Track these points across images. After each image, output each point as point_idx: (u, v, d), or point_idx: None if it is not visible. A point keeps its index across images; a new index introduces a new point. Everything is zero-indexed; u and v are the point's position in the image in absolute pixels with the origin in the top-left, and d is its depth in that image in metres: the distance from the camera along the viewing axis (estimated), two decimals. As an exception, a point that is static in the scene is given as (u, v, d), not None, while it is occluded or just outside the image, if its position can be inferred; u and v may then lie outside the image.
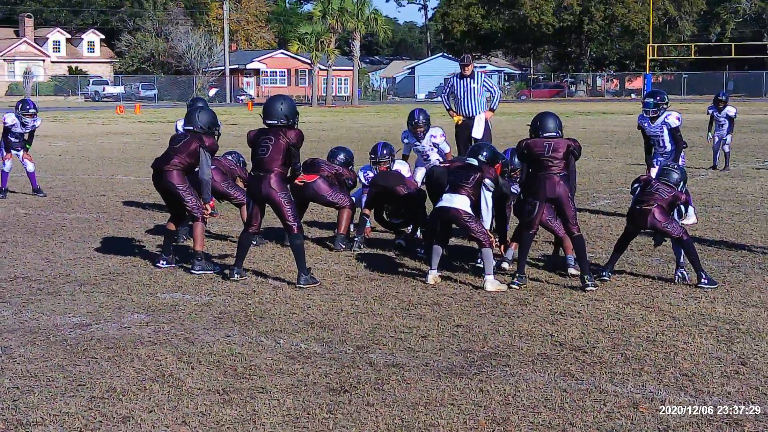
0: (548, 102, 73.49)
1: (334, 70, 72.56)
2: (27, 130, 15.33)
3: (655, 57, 62.75)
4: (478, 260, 9.14)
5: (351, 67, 74.24)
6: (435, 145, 11.60)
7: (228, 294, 8.30)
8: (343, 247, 10.35)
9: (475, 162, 8.88)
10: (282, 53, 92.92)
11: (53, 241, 11.06)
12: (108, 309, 7.83)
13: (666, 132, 11.58)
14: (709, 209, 13.23)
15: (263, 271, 9.25)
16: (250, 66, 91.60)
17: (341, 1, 67.62)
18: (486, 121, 15.30)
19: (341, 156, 10.92)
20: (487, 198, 8.73)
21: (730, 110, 19.02)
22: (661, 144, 11.70)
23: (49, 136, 31.02)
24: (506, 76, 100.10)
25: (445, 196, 8.70)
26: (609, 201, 14.16)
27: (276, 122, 8.72)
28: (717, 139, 19.05)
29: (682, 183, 8.79)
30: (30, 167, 15.42)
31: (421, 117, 11.58)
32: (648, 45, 54.96)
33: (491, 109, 15.45)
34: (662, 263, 9.48)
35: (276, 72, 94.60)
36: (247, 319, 7.44)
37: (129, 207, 13.95)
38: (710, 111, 19.32)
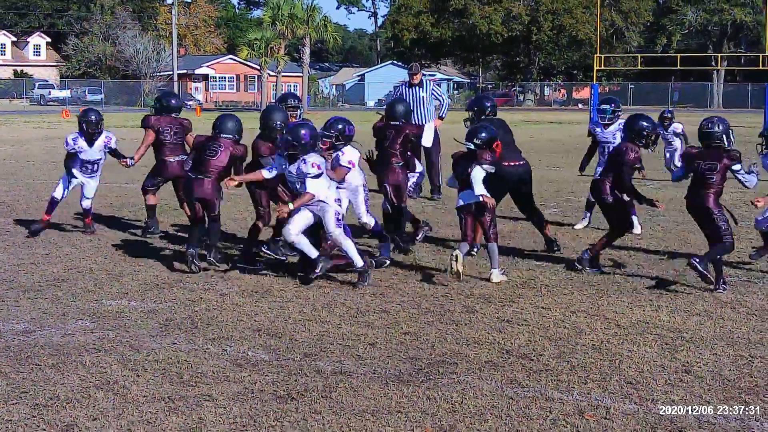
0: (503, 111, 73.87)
1: (283, 76, 72.35)
2: (97, 155, 13.71)
3: (602, 67, 63.29)
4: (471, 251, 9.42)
5: (300, 74, 74.04)
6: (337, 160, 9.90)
7: (174, 301, 8.24)
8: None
9: (472, 146, 9.11)
10: (231, 59, 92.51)
11: (-4, 247, 10.90)
12: (52, 315, 7.73)
13: (620, 139, 11.69)
14: (654, 218, 13.39)
15: (210, 278, 9.19)
16: (198, 71, 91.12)
17: (291, 8, 67.49)
18: (435, 129, 15.38)
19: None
20: (476, 176, 8.94)
21: (677, 127, 18.75)
22: (610, 151, 11.77)
23: (-8, 139, 30.55)
24: (455, 85, 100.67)
25: (462, 193, 9.10)
26: (557, 210, 14.28)
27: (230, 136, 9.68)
28: (668, 155, 18.81)
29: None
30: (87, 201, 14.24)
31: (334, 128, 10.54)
32: (595, 55, 55.31)
33: (440, 117, 15.56)
34: (607, 272, 9.58)
35: (225, 77, 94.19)
36: (193, 327, 7.39)
37: (74, 212, 13.79)
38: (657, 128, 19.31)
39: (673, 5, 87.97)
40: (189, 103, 78.90)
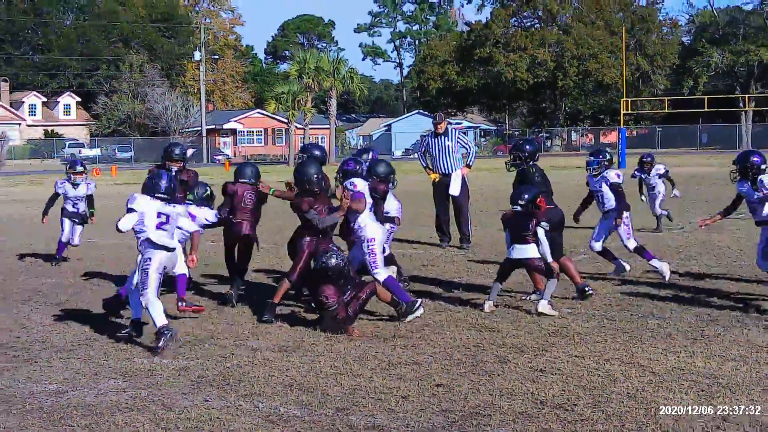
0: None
1: (310, 128, 72.97)
2: (81, 194, 14.69)
3: (629, 111, 63.48)
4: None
5: (328, 126, 74.68)
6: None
7: (205, 357, 8.24)
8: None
9: (519, 208, 9.83)
10: (259, 113, 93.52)
11: (29, 307, 10.98)
12: (84, 375, 7.75)
13: (606, 188, 11.86)
14: (687, 262, 13.30)
15: (241, 333, 9.20)
16: (226, 126, 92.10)
17: (317, 61, 68.24)
18: (463, 178, 15.44)
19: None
20: (540, 236, 9.74)
21: (659, 168, 17.91)
22: (601, 200, 11.89)
23: (26, 200, 30.91)
24: (482, 132, 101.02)
25: (515, 246, 9.82)
26: (586, 256, 14.22)
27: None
28: (650, 200, 17.88)
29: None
30: (76, 241, 14.92)
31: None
32: (622, 99, 55.51)
33: (467, 165, 15.60)
34: (641, 318, 9.51)
35: (253, 131, 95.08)
36: (225, 383, 7.38)
37: (106, 271, 13.88)
38: (637, 174, 18.04)
39: (699, 47, 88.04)
40: (218, 157, 79.66)
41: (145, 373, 7.77)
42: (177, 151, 11.59)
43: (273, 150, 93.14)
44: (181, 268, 9.82)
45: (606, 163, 12.05)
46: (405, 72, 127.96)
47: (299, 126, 71.58)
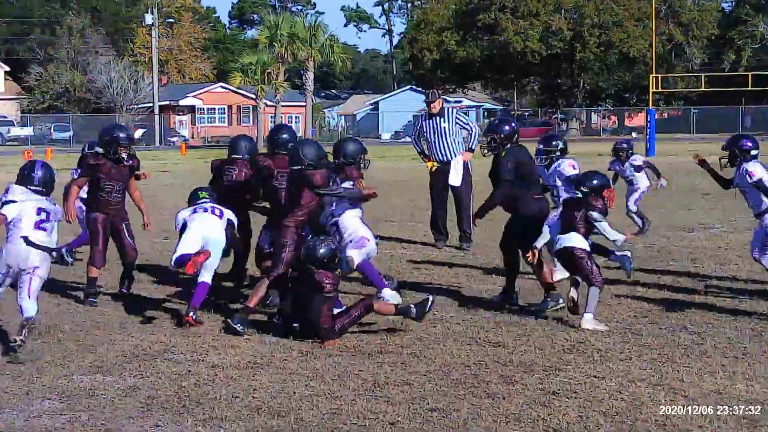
0: (535, 142, 73.81)
1: (283, 106, 72.87)
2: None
3: (659, 89, 63.64)
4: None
5: (303, 103, 74.64)
6: None
7: (158, 375, 8.24)
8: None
9: (579, 194, 10.19)
10: (222, 87, 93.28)
11: (-53, 314, 10.96)
12: (14, 395, 7.74)
13: (560, 182, 12.00)
14: (725, 267, 13.35)
15: (200, 347, 9.20)
16: (183, 102, 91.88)
17: (291, 26, 68.12)
18: (465, 165, 15.39)
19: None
20: (604, 229, 10.11)
21: (634, 160, 16.96)
22: (556, 195, 12.05)
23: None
24: (486, 113, 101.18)
25: (563, 236, 10.11)
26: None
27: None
28: (627, 197, 16.97)
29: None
30: None
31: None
32: (650, 75, 55.64)
33: (469, 149, 15.54)
34: (672, 332, 9.55)
35: (214, 109, 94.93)
36: (180, 406, 7.38)
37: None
38: (613, 167, 17.06)
39: (741, 15, 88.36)
40: (173, 139, 79.49)
41: (86, 393, 7.75)
42: (124, 135, 11.47)
43: (238, 131, 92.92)
44: (205, 276, 10.17)
45: (558, 153, 12.27)
46: (395, 41, 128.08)
47: (270, 103, 71.48)
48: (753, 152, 11.04)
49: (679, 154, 48.77)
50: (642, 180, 17.03)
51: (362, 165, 11.08)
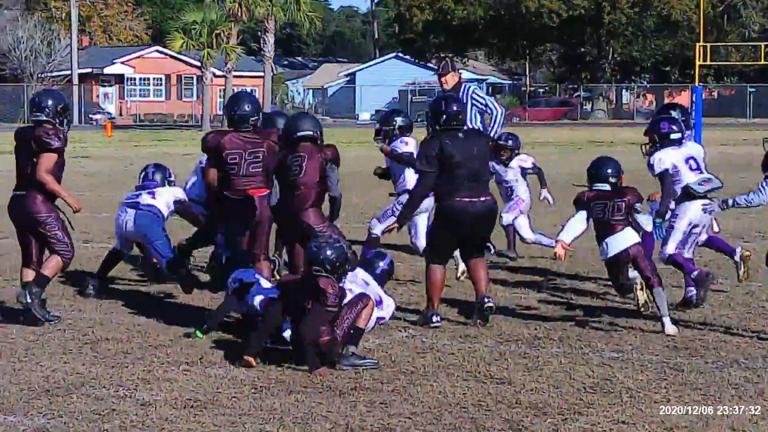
0: (552, 126, 74.09)
1: (235, 76, 72.79)
2: None
3: (708, 62, 63.75)
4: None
5: (261, 73, 74.52)
6: None
7: (73, 414, 8.21)
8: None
9: (607, 187, 11.39)
10: (158, 51, 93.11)
11: None
12: None
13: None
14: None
15: (128, 379, 9.19)
16: (109, 70, 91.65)
17: (247, -24, 68.03)
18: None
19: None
20: (642, 222, 11.55)
21: (524, 161, 16.27)
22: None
23: None
24: (490, 88, 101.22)
25: (611, 240, 11.18)
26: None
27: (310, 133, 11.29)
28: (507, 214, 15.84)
29: None
30: None
31: None
32: (697, 44, 55.74)
33: (491, 139, 15.48)
34: (721, 367, 9.57)
35: (149, 79, 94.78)
36: (102, 453, 7.37)
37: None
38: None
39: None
40: (96, 117, 79.25)
41: (-17, 436, 7.73)
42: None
43: (178, 107, 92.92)
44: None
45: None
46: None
47: (219, 72, 71.39)
48: (673, 135, 12.14)
49: (731, 143, 48.94)
50: (522, 189, 16.02)
51: None
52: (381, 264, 11.13)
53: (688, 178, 12.01)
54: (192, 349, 10.20)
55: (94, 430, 7.85)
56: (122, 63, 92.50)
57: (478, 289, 11.45)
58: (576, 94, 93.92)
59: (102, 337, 10.71)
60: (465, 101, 15.07)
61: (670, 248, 11.92)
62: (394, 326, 10.99)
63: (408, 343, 10.41)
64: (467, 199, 11.31)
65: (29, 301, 11.22)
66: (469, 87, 15.32)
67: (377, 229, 13.96)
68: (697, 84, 53.75)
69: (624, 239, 11.18)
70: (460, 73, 15.52)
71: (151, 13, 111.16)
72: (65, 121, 11.62)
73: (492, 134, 15.20)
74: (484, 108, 15.31)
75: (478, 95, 15.18)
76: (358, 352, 9.71)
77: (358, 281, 10.47)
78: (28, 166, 11.28)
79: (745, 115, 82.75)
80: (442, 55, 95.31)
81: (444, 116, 11.52)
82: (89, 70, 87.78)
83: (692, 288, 11.93)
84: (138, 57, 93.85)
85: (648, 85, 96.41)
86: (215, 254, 12.06)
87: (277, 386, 8.97)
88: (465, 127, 11.92)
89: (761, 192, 11.12)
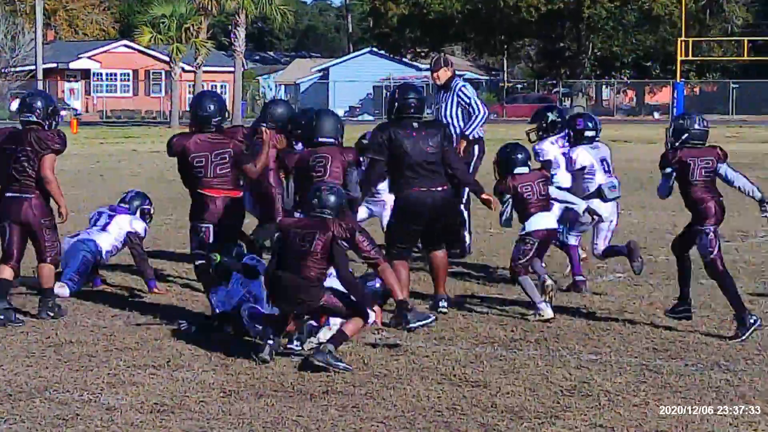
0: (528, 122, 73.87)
1: (205, 72, 72.72)
2: None
3: (690, 57, 63.96)
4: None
5: (232, 68, 74.42)
6: None
7: (36, 419, 8.18)
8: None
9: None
10: (125, 46, 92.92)
11: None
12: None
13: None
14: (771, 287, 13.46)
15: (92, 383, 9.17)
16: (75, 65, 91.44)
17: (217, -32, 67.91)
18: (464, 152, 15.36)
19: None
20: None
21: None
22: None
23: None
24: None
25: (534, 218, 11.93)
26: (621, 275, 14.32)
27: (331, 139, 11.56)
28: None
29: None
30: None
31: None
32: (679, 39, 55.95)
33: (464, 136, 15.50)
34: (701, 370, 9.60)
35: (116, 74, 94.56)
36: (65, 459, 7.35)
37: None
38: None
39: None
40: (62, 113, 78.96)
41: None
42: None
43: (146, 103, 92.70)
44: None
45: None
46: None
47: (188, 68, 71.25)
48: (587, 133, 12.97)
49: (714, 140, 49.01)
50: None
51: None
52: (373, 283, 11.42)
53: (600, 178, 12.95)
54: (159, 352, 10.19)
55: (58, 436, 7.84)
56: (88, 58, 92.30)
57: (435, 286, 12.00)
58: (555, 90, 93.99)
59: (66, 340, 10.69)
60: (452, 96, 15.20)
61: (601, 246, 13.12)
62: (367, 328, 10.97)
63: (381, 346, 10.41)
64: (424, 188, 11.57)
65: (50, 315, 11.61)
66: (458, 84, 15.41)
67: None
68: (678, 80, 53.98)
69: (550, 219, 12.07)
70: (454, 69, 15.72)
71: (119, 6, 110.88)
72: (54, 123, 11.81)
73: (467, 132, 15.26)
74: (467, 106, 15.38)
75: (465, 93, 15.31)
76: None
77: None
78: (25, 168, 11.44)
79: (728, 111, 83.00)
80: (418, 50, 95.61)
81: (397, 104, 11.81)
82: (54, 64, 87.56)
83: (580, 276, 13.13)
84: (105, 51, 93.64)
85: (628, 81, 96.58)
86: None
87: (247, 390, 8.96)
88: (422, 117, 11.99)
89: (735, 179, 11.41)
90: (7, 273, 11.57)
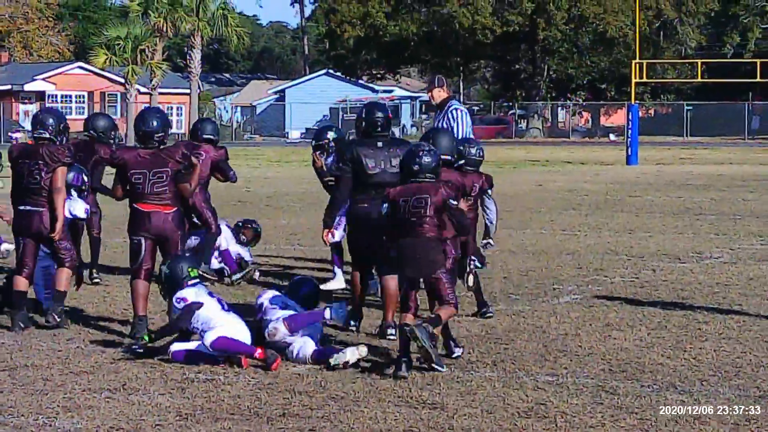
0: (487, 144, 74.03)
1: (161, 93, 72.55)
2: None
3: (644, 80, 64.23)
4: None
5: (187, 90, 74.37)
6: None
7: (-9, 444, 8.14)
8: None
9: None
10: (80, 68, 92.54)
11: None
12: None
13: None
14: (723, 307, 13.50)
15: (47, 406, 9.12)
16: (29, 87, 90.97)
17: (173, -10, 67.79)
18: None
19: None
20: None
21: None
22: None
23: None
24: (423, 106, 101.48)
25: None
26: (577, 296, 14.37)
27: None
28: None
29: None
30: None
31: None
32: (633, 62, 56.18)
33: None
34: (657, 391, 9.63)
35: (71, 96, 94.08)
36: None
37: None
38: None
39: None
40: (15, 135, 78.58)
41: None
42: None
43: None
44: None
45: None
46: (307, 12, 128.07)
47: (143, 90, 71.06)
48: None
49: (668, 162, 49.36)
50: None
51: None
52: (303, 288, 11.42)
53: None
54: (114, 375, 10.15)
55: (13, 460, 7.79)
56: (43, 80, 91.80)
57: (384, 312, 11.87)
58: (511, 111, 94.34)
59: (21, 364, 10.63)
60: (443, 117, 15.55)
61: None
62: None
63: (338, 368, 10.39)
64: (368, 205, 11.86)
65: (59, 320, 12.12)
66: (451, 106, 15.72)
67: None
68: (633, 102, 54.14)
69: None
70: (449, 91, 16.02)
71: (74, 28, 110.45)
72: (65, 138, 12.55)
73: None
74: (448, 129, 15.73)
75: (451, 116, 15.62)
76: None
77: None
78: (38, 180, 12.04)
79: (683, 133, 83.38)
80: (374, 71, 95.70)
81: (363, 123, 12.20)
82: (8, 87, 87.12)
83: None
84: (60, 73, 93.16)
85: (584, 103, 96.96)
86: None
87: (203, 414, 8.93)
88: (388, 136, 12.27)
89: (488, 209, 12.63)
90: (23, 284, 12.22)
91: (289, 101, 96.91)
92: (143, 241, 11.66)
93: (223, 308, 10.84)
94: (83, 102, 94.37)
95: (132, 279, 11.78)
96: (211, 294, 11.04)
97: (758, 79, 56.60)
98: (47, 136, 12.22)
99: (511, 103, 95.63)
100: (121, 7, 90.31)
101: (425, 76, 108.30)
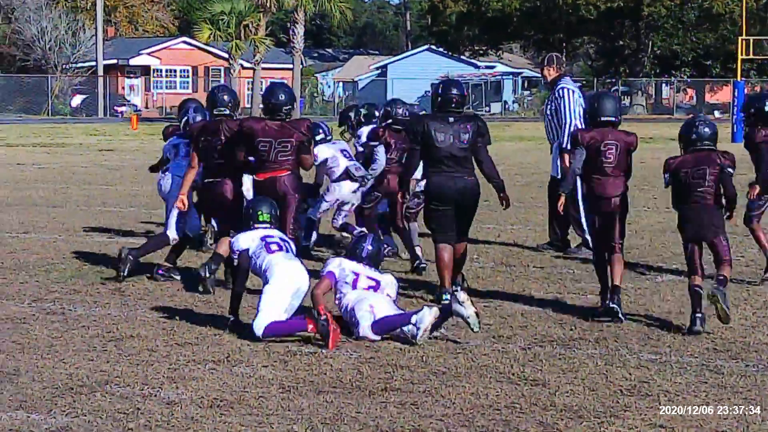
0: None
1: (264, 68, 72.79)
2: None
3: (750, 56, 63.32)
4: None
5: (290, 65, 74.55)
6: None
7: (97, 413, 8.23)
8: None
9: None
10: (185, 43, 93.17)
11: None
12: None
13: None
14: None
15: (153, 378, 9.21)
16: (135, 61, 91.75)
17: (276, -34, 67.98)
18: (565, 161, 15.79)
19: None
20: None
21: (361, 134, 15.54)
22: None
23: None
24: (526, 82, 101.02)
25: None
26: (680, 275, 14.26)
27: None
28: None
29: None
30: None
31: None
32: (740, 38, 55.49)
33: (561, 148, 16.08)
34: (763, 371, 9.53)
35: (175, 71, 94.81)
36: (126, 453, 7.40)
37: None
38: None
39: None
40: (121, 109, 79.38)
41: (5, 434, 7.77)
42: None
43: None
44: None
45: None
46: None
47: (247, 64, 71.37)
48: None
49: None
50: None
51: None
52: (365, 245, 11.28)
53: (344, 163, 14.91)
54: (218, 347, 10.24)
55: (118, 429, 7.87)
56: (148, 54, 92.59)
57: (441, 278, 12.24)
58: (614, 88, 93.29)
59: (127, 335, 10.76)
60: (552, 95, 15.76)
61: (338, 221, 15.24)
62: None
63: (440, 343, 10.40)
64: (448, 175, 12.11)
65: (207, 275, 12.58)
66: (559, 84, 15.89)
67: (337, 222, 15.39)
68: (739, 79, 53.47)
69: None
70: (562, 71, 16.15)
71: (179, 3, 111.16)
72: (240, 113, 13.79)
73: (563, 143, 15.66)
74: (555, 110, 15.92)
75: (558, 95, 15.83)
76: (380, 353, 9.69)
77: (348, 275, 10.91)
78: (219, 156, 12.88)
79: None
80: (476, 47, 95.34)
81: (439, 99, 12.35)
82: (114, 61, 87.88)
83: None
84: (165, 48, 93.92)
85: (688, 80, 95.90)
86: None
87: (306, 386, 8.98)
88: (462, 112, 12.43)
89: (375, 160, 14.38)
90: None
91: (391, 77, 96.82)
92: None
93: (280, 249, 10.88)
94: (188, 77, 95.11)
95: None
96: (268, 236, 11.09)
97: None
98: (227, 112, 13.01)
99: (614, 80, 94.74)
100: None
101: (527, 52, 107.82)
